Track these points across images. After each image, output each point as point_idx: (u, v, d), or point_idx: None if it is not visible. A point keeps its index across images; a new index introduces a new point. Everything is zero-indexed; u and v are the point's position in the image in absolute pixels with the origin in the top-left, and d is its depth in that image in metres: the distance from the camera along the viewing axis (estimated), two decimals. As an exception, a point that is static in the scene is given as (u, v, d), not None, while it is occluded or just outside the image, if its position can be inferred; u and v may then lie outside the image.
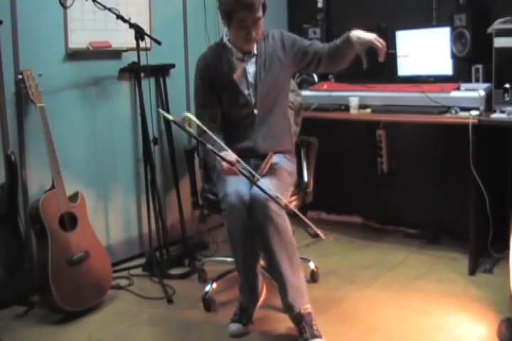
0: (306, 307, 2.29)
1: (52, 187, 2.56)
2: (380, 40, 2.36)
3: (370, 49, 2.38)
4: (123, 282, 2.94)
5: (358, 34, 2.38)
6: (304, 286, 2.31)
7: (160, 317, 2.58)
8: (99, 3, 2.69)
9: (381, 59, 2.38)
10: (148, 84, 3.04)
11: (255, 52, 2.49)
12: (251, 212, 2.25)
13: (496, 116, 2.76)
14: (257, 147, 2.51)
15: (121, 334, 2.44)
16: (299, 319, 2.28)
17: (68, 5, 2.66)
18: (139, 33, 2.82)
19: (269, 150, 2.47)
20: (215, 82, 2.48)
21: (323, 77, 3.63)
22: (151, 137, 3.04)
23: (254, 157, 2.52)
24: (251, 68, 2.50)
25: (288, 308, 2.29)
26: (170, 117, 2.26)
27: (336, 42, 2.46)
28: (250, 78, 2.50)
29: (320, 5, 3.77)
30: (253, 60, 2.50)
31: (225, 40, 2.51)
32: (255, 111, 2.51)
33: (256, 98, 2.50)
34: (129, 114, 3.20)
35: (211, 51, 2.56)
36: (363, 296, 2.73)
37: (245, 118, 2.52)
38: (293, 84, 3.07)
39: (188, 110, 3.54)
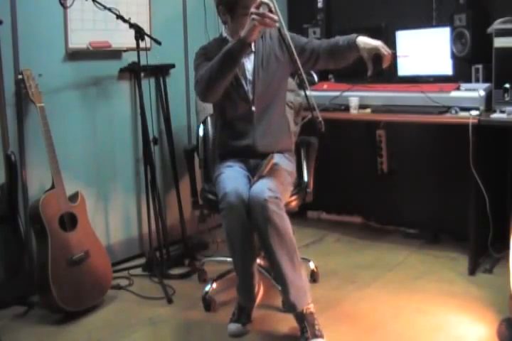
0: (308, 306, 2.30)
1: (52, 187, 2.56)
2: (386, 48, 2.36)
3: (376, 58, 2.38)
4: (123, 282, 2.94)
5: (365, 40, 2.38)
6: (306, 286, 2.32)
7: (160, 317, 2.58)
8: (99, 3, 2.69)
9: (385, 65, 2.39)
10: (148, 84, 3.04)
11: (253, 49, 2.50)
12: (250, 212, 2.25)
13: (496, 116, 2.76)
14: (256, 145, 2.51)
15: (121, 334, 2.44)
16: (301, 318, 2.29)
17: (68, 5, 2.66)
18: (139, 33, 2.82)
19: (268, 148, 2.48)
20: None
21: (323, 77, 3.63)
22: (151, 137, 3.04)
23: (253, 157, 2.52)
24: (249, 65, 2.50)
25: (290, 307, 2.29)
26: None
27: (339, 41, 2.45)
28: (249, 75, 2.50)
29: (320, 5, 3.77)
30: (251, 57, 2.51)
31: (225, 34, 2.52)
32: (253, 108, 2.51)
33: (254, 95, 2.50)
34: (129, 114, 3.20)
35: (212, 44, 2.57)
36: (363, 296, 2.73)
37: (243, 115, 2.52)
38: (293, 84, 3.07)
39: (188, 109, 3.55)
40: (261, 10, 2.13)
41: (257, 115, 2.52)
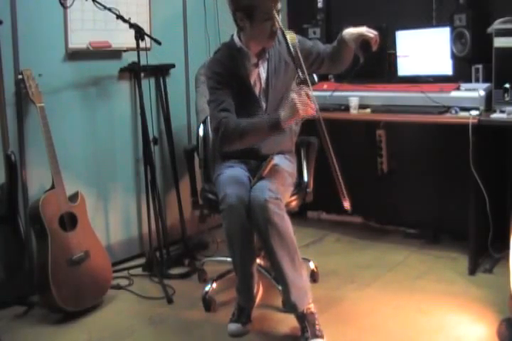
0: (309, 306, 2.31)
1: (52, 187, 2.56)
2: (371, 30, 2.35)
3: (365, 44, 2.38)
4: (123, 282, 2.94)
5: (348, 31, 2.38)
6: (307, 286, 2.32)
7: (160, 317, 2.58)
8: (99, 3, 2.69)
9: (374, 48, 2.38)
10: (148, 84, 3.04)
11: (267, 56, 2.46)
12: (250, 212, 2.25)
13: (496, 116, 2.76)
14: (260, 147, 2.51)
15: (121, 334, 2.44)
16: (302, 318, 2.29)
17: (68, 5, 2.66)
18: (139, 33, 2.82)
19: (270, 151, 2.48)
20: (232, 85, 2.40)
21: (323, 77, 3.63)
22: (151, 137, 3.04)
23: (254, 158, 2.52)
24: (263, 73, 2.47)
25: (291, 307, 2.30)
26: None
27: (334, 43, 2.46)
28: (262, 83, 2.47)
29: (320, 5, 3.77)
30: (265, 65, 2.46)
31: (240, 44, 2.43)
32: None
33: (267, 103, 2.48)
34: (129, 114, 3.20)
35: (224, 54, 2.45)
36: (363, 296, 2.73)
37: None
38: (293, 84, 3.07)
39: (188, 109, 3.55)
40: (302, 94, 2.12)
41: None
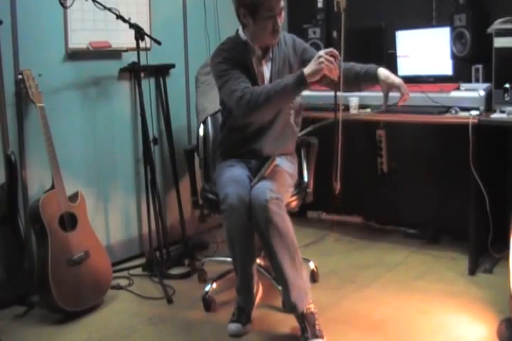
0: (308, 307, 2.31)
1: (52, 187, 2.56)
2: (406, 87, 2.34)
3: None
4: (123, 282, 2.95)
5: (385, 73, 2.35)
6: (306, 286, 2.32)
7: (160, 317, 2.58)
8: (99, 3, 2.69)
9: (400, 104, 2.38)
10: (148, 84, 3.04)
11: (270, 55, 2.45)
12: (251, 213, 2.25)
13: (496, 116, 2.76)
14: (263, 149, 2.51)
15: (121, 334, 2.44)
16: (302, 318, 2.29)
17: (68, 5, 2.66)
18: (139, 33, 2.82)
19: (273, 152, 2.47)
20: (241, 70, 2.37)
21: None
22: (151, 137, 3.04)
23: (256, 158, 2.52)
24: (267, 73, 2.47)
25: (291, 308, 2.30)
26: None
27: (356, 67, 2.40)
28: (266, 83, 2.45)
29: (320, 5, 3.77)
30: (269, 64, 2.46)
31: (245, 38, 2.42)
32: None
33: None
34: (129, 114, 3.21)
35: (230, 46, 2.44)
36: (362, 296, 2.73)
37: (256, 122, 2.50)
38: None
39: (188, 109, 3.55)
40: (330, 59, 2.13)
41: (269, 122, 2.49)
